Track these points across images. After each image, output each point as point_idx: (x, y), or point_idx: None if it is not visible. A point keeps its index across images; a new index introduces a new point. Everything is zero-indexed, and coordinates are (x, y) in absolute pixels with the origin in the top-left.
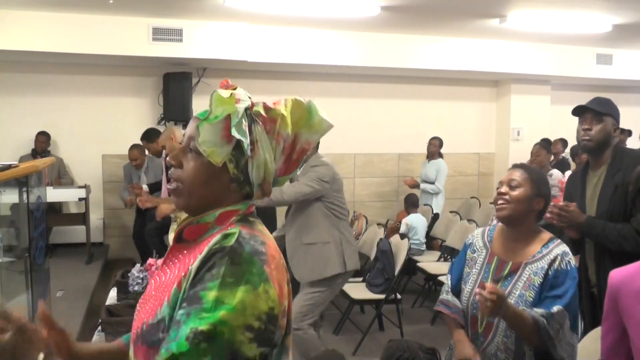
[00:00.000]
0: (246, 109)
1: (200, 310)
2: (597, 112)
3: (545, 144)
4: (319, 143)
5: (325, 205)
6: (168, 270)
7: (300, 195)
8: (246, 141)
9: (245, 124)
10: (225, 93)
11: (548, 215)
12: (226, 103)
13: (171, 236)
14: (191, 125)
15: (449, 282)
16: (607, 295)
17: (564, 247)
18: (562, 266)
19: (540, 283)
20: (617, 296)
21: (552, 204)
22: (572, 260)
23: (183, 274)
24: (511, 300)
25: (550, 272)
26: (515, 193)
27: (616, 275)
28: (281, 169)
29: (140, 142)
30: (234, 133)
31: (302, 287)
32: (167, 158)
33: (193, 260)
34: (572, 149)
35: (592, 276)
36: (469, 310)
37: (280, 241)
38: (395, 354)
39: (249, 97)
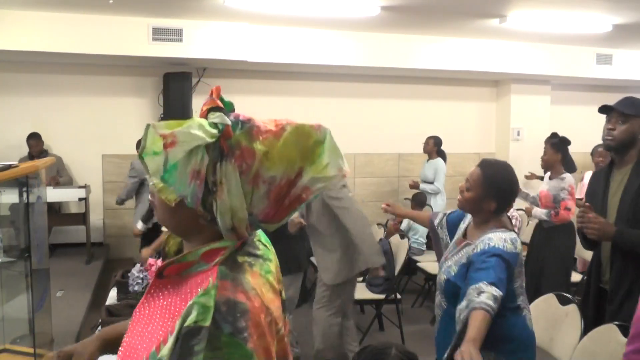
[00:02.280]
0: (217, 140)
1: None
2: (623, 112)
3: (555, 141)
4: None
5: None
6: (152, 304)
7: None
8: (183, 194)
9: (194, 165)
10: (159, 130)
11: (578, 222)
12: (155, 144)
13: (145, 252)
14: None
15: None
16: None
17: (499, 234)
18: (481, 247)
19: (463, 263)
20: None
21: (581, 213)
22: (495, 242)
23: (162, 338)
24: (443, 269)
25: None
26: (467, 194)
27: None
28: (268, 212)
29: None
30: (166, 179)
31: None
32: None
33: (173, 313)
34: (594, 148)
35: (606, 274)
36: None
37: None
38: (369, 347)
39: (224, 124)
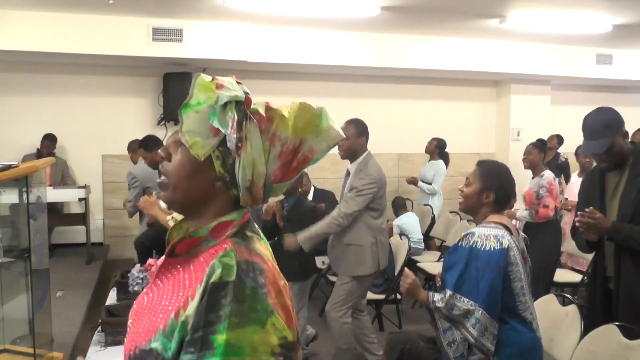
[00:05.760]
0: (239, 104)
1: (213, 356)
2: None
3: (538, 143)
4: (367, 140)
5: (367, 210)
6: (162, 285)
7: (356, 213)
8: (226, 132)
9: (231, 115)
10: (207, 77)
11: (577, 223)
12: (207, 87)
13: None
14: None
15: None
16: None
17: (480, 229)
18: (456, 243)
19: None
20: None
21: (580, 212)
22: (474, 241)
23: (182, 303)
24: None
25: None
26: (466, 190)
27: None
28: (277, 175)
29: (132, 140)
30: (212, 120)
31: (338, 277)
32: (159, 150)
33: (189, 283)
34: (578, 148)
35: (611, 273)
36: None
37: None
38: (398, 347)
39: (247, 93)
